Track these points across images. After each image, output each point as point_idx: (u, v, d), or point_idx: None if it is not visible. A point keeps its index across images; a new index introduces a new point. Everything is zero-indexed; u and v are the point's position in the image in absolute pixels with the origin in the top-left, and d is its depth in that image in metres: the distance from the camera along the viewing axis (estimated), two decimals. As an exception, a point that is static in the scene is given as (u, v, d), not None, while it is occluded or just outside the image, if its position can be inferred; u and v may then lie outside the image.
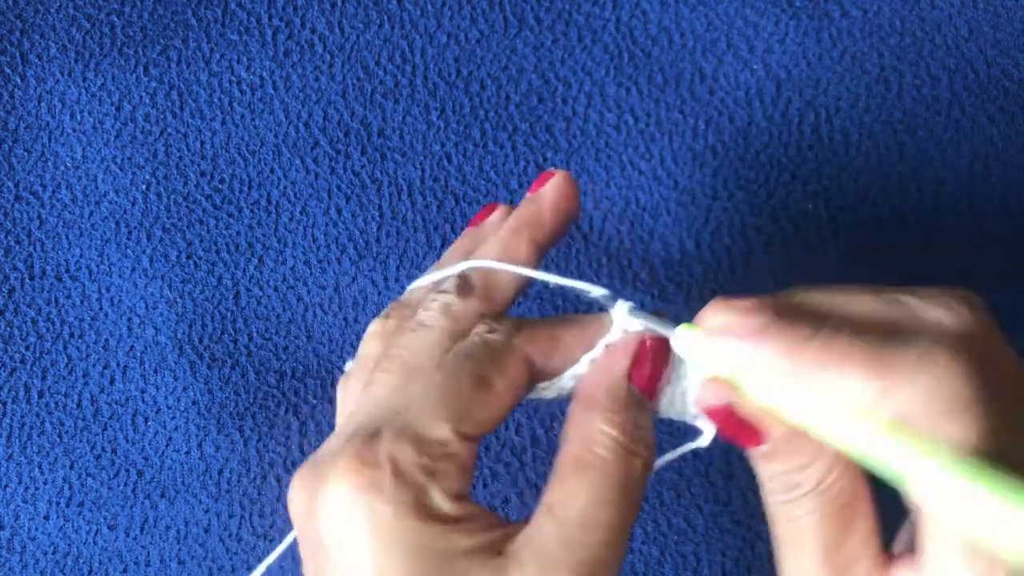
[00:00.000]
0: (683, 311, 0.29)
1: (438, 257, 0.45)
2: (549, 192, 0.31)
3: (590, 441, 0.26)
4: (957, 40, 0.45)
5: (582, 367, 0.28)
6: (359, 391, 0.28)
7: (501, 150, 0.46)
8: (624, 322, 0.28)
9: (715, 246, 0.44)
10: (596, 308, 0.30)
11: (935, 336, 0.23)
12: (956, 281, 0.43)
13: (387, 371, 0.27)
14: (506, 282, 0.30)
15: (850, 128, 0.45)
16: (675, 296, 0.44)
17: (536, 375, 0.28)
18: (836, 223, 0.44)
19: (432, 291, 0.30)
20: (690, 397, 0.28)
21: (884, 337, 0.23)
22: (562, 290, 0.44)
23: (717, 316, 0.26)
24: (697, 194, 0.45)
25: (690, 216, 0.44)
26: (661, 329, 0.27)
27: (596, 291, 0.29)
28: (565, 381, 0.28)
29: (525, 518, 0.25)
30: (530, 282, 0.30)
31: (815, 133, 0.45)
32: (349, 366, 0.31)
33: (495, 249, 0.30)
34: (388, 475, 0.24)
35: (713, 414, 0.26)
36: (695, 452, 0.42)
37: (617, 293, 0.29)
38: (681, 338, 0.27)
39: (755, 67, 0.46)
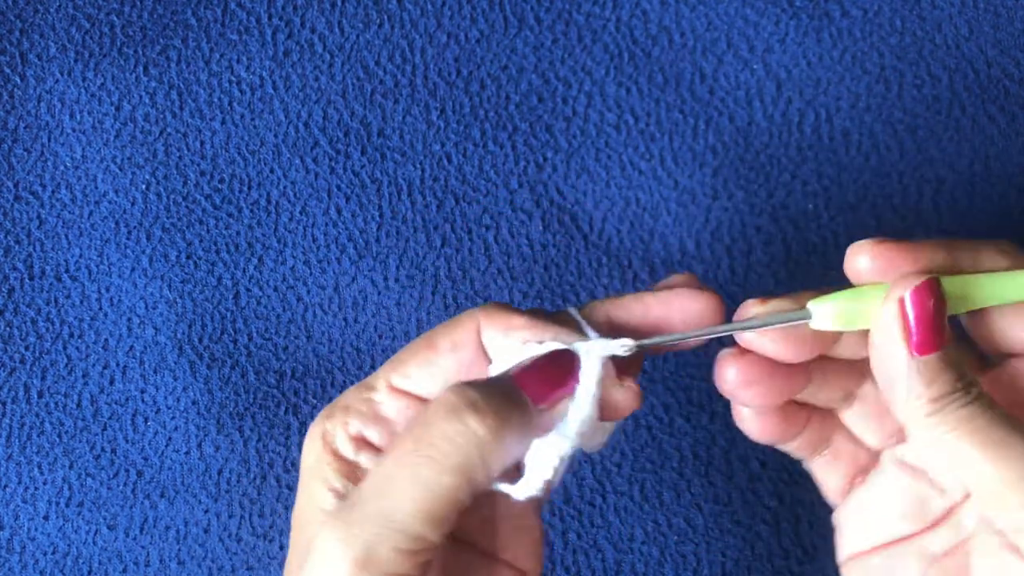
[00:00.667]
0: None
1: (438, 257, 0.45)
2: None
3: (427, 407, 0.26)
4: (957, 40, 0.45)
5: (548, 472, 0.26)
6: None
7: (501, 150, 0.46)
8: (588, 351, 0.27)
9: (715, 246, 0.44)
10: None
11: None
12: (956, 281, 0.43)
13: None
14: None
15: (850, 128, 0.45)
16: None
17: (489, 354, 0.28)
18: (836, 223, 0.44)
19: None
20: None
21: None
22: (562, 291, 0.44)
23: (873, 243, 0.27)
24: (697, 194, 0.45)
25: (690, 216, 0.44)
26: (783, 323, 0.27)
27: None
28: (533, 482, 0.27)
29: None
30: None
31: (815, 133, 0.45)
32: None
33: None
34: (326, 409, 0.28)
35: (913, 304, 0.26)
36: (695, 452, 0.42)
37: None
38: (857, 255, 0.27)
39: (755, 67, 0.46)
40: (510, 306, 0.28)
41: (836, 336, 0.28)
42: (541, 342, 0.27)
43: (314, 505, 0.26)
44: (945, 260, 0.27)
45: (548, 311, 0.29)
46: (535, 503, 0.29)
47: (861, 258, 0.27)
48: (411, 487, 0.24)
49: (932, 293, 0.26)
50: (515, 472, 0.27)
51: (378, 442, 0.27)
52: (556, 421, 0.26)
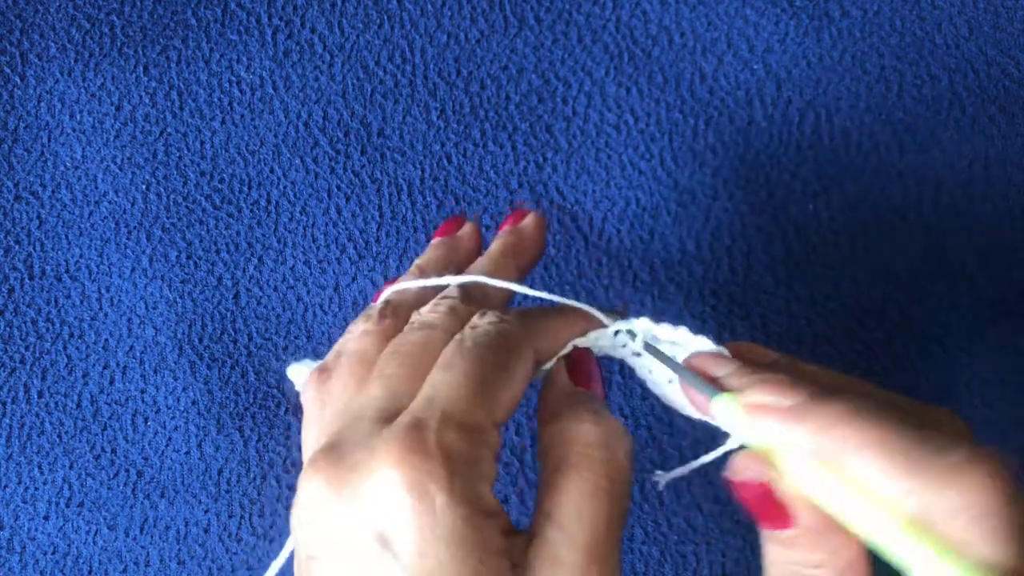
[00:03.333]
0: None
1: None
2: (528, 224, 0.35)
3: (564, 443, 0.26)
4: (957, 40, 0.45)
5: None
6: (349, 388, 0.28)
7: (501, 150, 0.46)
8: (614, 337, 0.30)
9: (715, 246, 0.44)
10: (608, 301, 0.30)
11: (975, 449, 0.23)
12: (956, 280, 0.43)
13: (401, 366, 0.27)
14: (499, 296, 0.32)
15: (850, 128, 0.45)
16: (675, 296, 0.44)
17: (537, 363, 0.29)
18: (836, 223, 0.44)
19: (434, 296, 0.31)
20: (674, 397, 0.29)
21: (921, 434, 0.23)
22: (561, 290, 0.44)
23: (755, 390, 0.26)
24: (697, 194, 0.45)
25: (690, 216, 0.44)
26: (671, 368, 0.28)
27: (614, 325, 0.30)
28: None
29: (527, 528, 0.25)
30: (512, 297, 0.33)
31: (815, 133, 0.45)
32: (301, 366, 0.31)
33: (487, 267, 0.33)
34: (440, 463, 0.23)
35: (743, 488, 0.25)
36: (694, 452, 0.42)
37: (617, 301, 0.30)
38: (720, 406, 0.26)
39: (755, 67, 0.46)
40: (536, 313, 0.30)
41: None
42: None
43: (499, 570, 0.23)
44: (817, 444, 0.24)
45: (551, 309, 0.31)
46: None
47: (743, 426, 0.26)
48: (620, 529, 0.25)
49: (758, 490, 0.25)
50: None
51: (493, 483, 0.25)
52: None
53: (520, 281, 0.33)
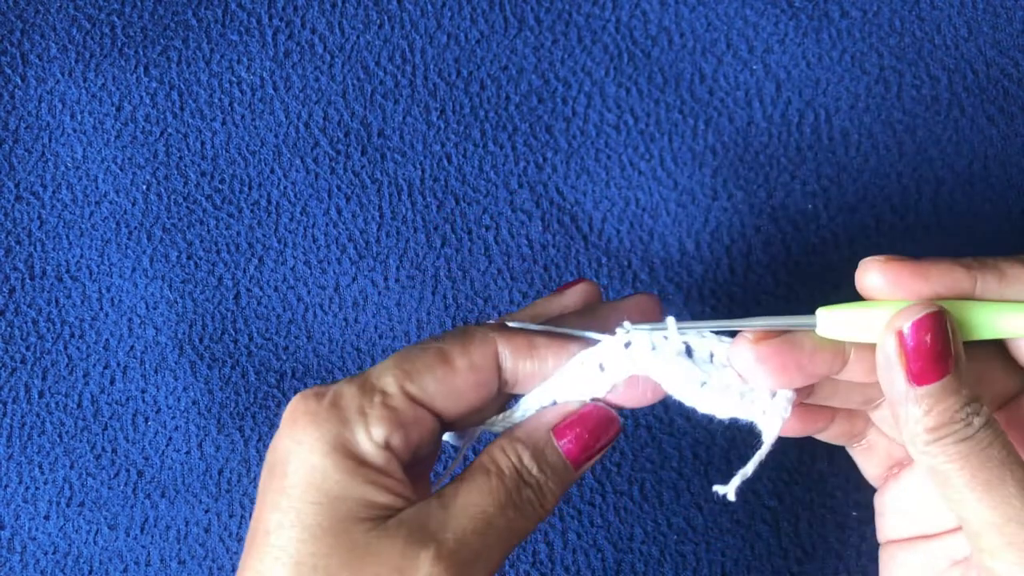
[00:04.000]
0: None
1: (438, 257, 0.45)
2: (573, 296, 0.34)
3: (492, 455, 0.28)
4: (957, 40, 0.45)
5: (531, 410, 0.30)
6: None
7: (501, 150, 0.46)
8: (609, 357, 0.29)
9: (715, 246, 0.44)
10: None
11: None
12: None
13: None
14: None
15: (850, 128, 0.45)
16: (675, 296, 0.44)
17: (508, 377, 0.29)
18: (836, 223, 0.44)
19: None
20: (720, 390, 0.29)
21: None
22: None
23: (884, 260, 0.27)
24: (697, 194, 0.45)
25: (690, 216, 0.44)
26: (784, 325, 0.28)
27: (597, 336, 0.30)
28: (516, 418, 0.30)
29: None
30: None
31: (815, 133, 0.45)
32: None
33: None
34: (325, 405, 0.27)
35: (917, 340, 0.26)
36: (694, 452, 0.42)
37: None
38: (868, 274, 0.27)
39: (755, 67, 0.46)
40: (526, 330, 0.29)
41: (840, 360, 0.28)
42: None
43: (356, 520, 0.26)
44: (965, 282, 0.27)
45: (552, 325, 0.30)
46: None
47: (870, 275, 0.27)
48: (508, 537, 0.27)
49: (931, 327, 0.26)
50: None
51: (397, 449, 0.27)
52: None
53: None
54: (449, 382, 0.28)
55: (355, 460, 0.26)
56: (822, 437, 0.32)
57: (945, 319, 0.26)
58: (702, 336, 0.28)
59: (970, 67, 0.45)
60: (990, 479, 0.25)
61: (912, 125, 0.44)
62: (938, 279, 0.27)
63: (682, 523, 0.41)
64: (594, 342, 0.29)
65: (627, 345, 0.28)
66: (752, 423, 0.29)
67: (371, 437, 0.27)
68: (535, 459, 0.28)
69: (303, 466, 0.26)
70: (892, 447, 0.32)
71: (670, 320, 0.28)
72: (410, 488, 0.27)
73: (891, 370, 0.26)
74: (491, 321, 0.31)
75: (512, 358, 0.29)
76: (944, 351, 0.26)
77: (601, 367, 0.29)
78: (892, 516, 0.32)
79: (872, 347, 0.27)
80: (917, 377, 0.26)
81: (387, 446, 0.27)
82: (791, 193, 0.44)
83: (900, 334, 0.26)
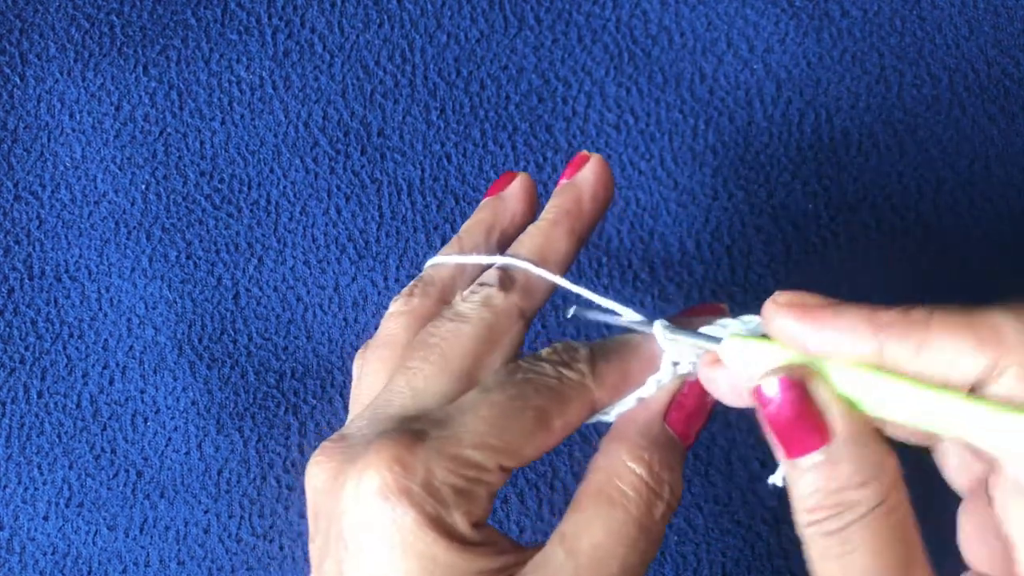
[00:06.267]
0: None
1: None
2: (588, 178, 0.30)
3: (613, 474, 0.25)
4: (957, 40, 0.45)
5: (630, 403, 0.27)
6: (383, 371, 0.28)
7: (501, 150, 0.46)
8: (668, 350, 0.26)
9: (715, 246, 0.44)
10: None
11: None
12: (956, 280, 0.43)
13: (426, 361, 0.26)
14: (544, 280, 0.28)
15: (850, 128, 0.45)
16: (675, 296, 0.44)
17: (597, 408, 0.27)
18: (836, 223, 0.44)
19: (469, 281, 0.29)
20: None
21: (972, 315, 0.21)
22: (562, 291, 0.44)
23: (782, 302, 0.23)
24: (697, 194, 0.45)
25: (690, 216, 0.44)
26: (705, 344, 0.26)
27: (629, 316, 0.27)
28: (612, 416, 0.27)
29: (538, 545, 0.25)
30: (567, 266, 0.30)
31: (815, 133, 0.45)
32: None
33: (536, 242, 0.29)
34: (419, 483, 0.23)
35: (774, 406, 0.22)
36: (695, 452, 0.42)
37: (645, 314, 0.27)
38: (772, 312, 0.24)
39: (755, 67, 0.46)
40: (613, 358, 0.27)
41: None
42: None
43: None
44: (868, 344, 0.22)
45: (632, 341, 0.27)
46: None
47: (774, 321, 0.23)
48: (643, 570, 0.24)
49: (794, 397, 0.22)
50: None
51: (482, 519, 0.25)
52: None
53: (578, 251, 0.29)
54: (544, 446, 0.25)
55: (460, 543, 0.23)
56: (901, 437, 0.26)
57: (809, 383, 0.22)
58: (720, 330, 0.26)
59: (971, 67, 0.45)
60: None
61: (913, 125, 0.44)
62: (849, 336, 0.22)
63: (682, 523, 0.41)
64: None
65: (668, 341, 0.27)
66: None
67: (471, 519, 0.24)
68: (664, 464, 0.25)
69: (396, 544, 0.23)
70: (970, 462, 0.25)
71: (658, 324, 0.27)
72: (499, 536, 0.25)
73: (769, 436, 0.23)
74: (493, 281, 0.28)
75: (607, 401, 0.26)
76: (814, 422, 0.22)
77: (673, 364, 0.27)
78: (972, 541, 0.25)
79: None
80: (787, 451, 0.22)
81: (481, 522, 0.24)
82: (791, 193, 0.44)
83: (759, 395, 0.22)
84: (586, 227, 0.30)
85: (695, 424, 0.26)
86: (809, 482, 0.22)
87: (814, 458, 0.22)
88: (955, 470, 0.26)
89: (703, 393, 0.26)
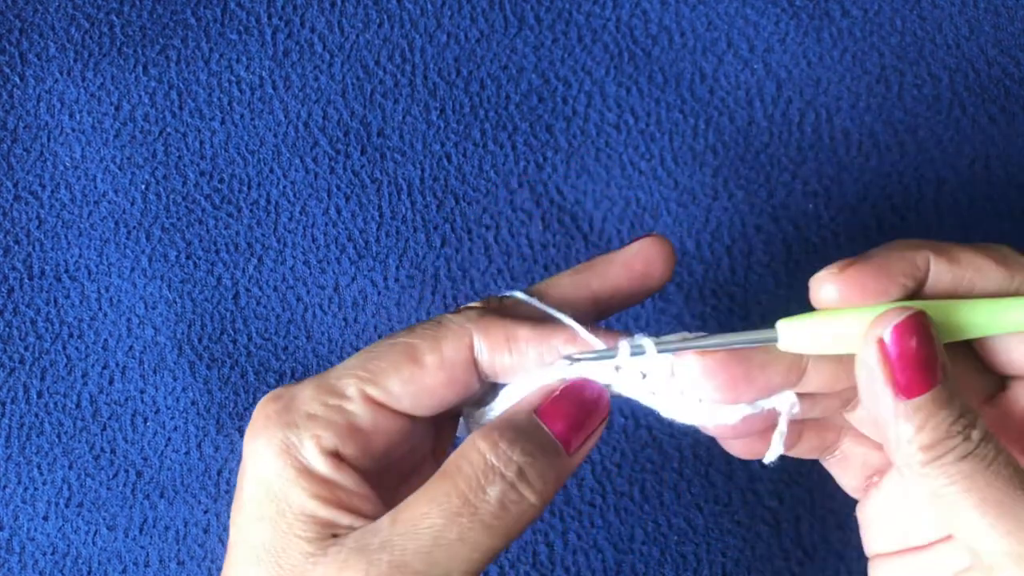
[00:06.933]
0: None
1: (438, 257, 0.45)
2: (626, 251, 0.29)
3: (460, 452, 0.24)
4: (958, 39, 0.45)
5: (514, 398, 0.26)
6: None
7: (501, 150, 0.46)
8: (626, 366, 0.26)
9: (715, 246, 0.44)
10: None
11: None
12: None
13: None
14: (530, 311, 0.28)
15: (850, 128, 0.45)
16: (675, 296, 0.44)
17: (486, 370, 0.26)
18: (836, 223, 0.44)
19: None
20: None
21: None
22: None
23: (837, 269, 0.24)
24: (698, 194, 0.45)
25: (690, 216, 0.44)
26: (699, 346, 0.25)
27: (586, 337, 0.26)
28: (496, 413, 0.27)
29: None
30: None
31: (815, 133, 0.45)
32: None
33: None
34: (276, 411, 0.25)
35: (894, 343, 0.23)
36: (695, 452, 0.42)
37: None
38: (820, 283, 0.24)
39: (755, 67, 0.46)
40: (505, 317, 0.26)
41: (796, 372, 0.25)
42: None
43: (294, 538, 0.23)
44: (932, 277, 0.24)
45: (535, 315, 0.27)
46: None
47: (826, 289, 0.24)
48: (464, 550, 0.23)
49: (915, 331, 0.23)
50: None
51: (353, 457, 0.25)
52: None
53: (585, 294, 0.28)
54: (418, 381, 0.25)
55: (298, 469, 0.24)
56: (792, 454, 0.29)
57: (928, 321, 0.23)
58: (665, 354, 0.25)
59: (971, 66, 0.45)
60: (1001, 500, 0.22)
61: (913, 124, 0.44)
62: (902, 281, 0.24)
63: (682, 524, 0.41)
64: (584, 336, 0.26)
65: (617, 369, 0.26)
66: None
67: (319, 445, 0.24)
68: (515, 444, 0.24)
69: (254, 477, 0.24)
70: (868, 455, 0.29)
71: (647, 341, 0.26)
72: (373, 502, 0.24)
73: (875, 384, 0.23)
74: (479, 303, 0.28)
75: (488, 351, 0.26)
76: (931, 357, 0.23)
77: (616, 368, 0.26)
78: (877, 528, 0.29)
79: (832, 356, 0.25)
80: (905, 389, 0.23)
81: (338, 455, 0.24)
82: (792, 193, 0.44)
83: (881, 343, 0.23)
84: (605, 291, 0.29)
85: (576, 428, 0.25)
86: (925, 418, 0.23)
87: (934, 395, 0.23)
88: (853, 469, 0.29)
89: (587, 399, 0.26)
